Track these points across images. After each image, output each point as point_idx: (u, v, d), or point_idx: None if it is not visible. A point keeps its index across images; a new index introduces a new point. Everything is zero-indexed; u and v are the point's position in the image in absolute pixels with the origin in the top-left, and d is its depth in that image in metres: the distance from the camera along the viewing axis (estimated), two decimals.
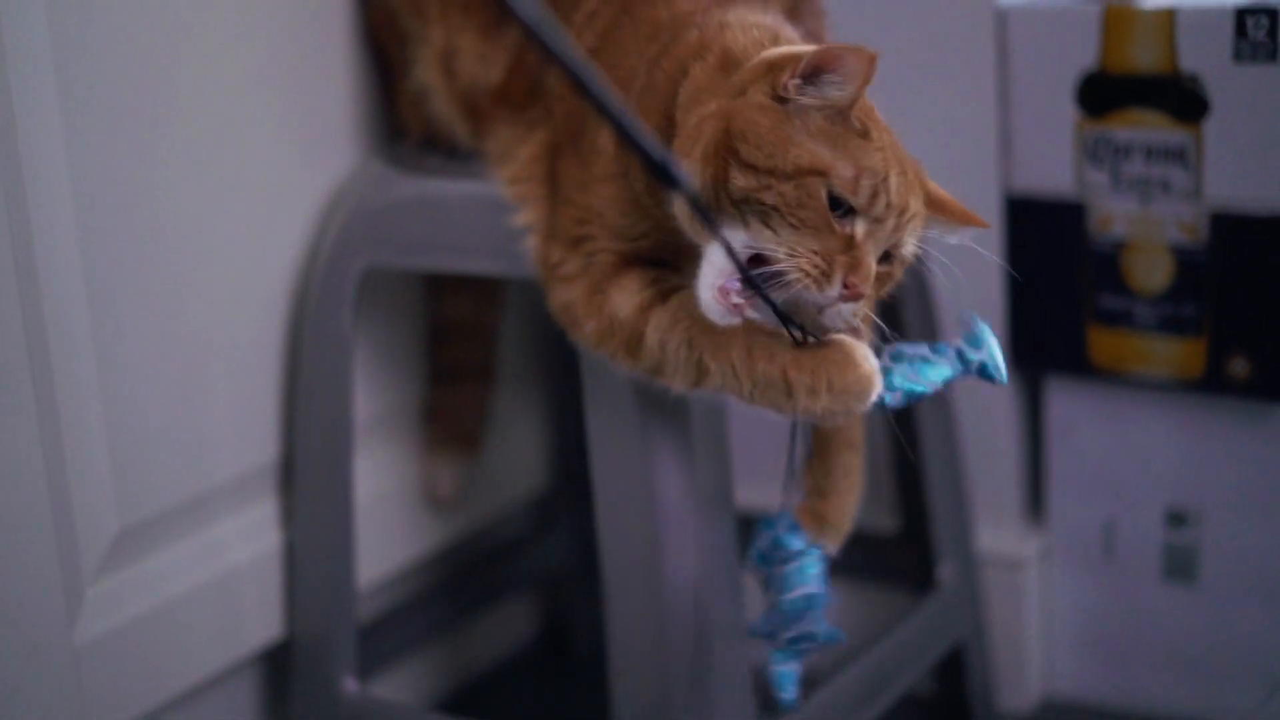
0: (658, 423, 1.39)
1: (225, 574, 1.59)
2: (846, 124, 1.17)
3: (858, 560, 1.89)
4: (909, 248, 1.20)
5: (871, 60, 1.14)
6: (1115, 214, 1.69)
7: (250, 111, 1.56)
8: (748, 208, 1.16)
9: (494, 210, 1.44)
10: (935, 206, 1.23)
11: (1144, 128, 1.66)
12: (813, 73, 1.16)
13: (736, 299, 1.16)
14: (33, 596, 1.39)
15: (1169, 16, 1.62)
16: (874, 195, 1.16)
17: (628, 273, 1.32)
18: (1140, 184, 1.67)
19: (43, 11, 1.35)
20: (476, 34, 1.53)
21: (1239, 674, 1.76)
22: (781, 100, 1.17)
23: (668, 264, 1.31)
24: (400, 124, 1.68)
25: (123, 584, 1.49)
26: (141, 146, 1.45)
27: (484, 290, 1.79)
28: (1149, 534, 1.78)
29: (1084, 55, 1.68)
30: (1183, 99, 1.63)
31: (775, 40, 1.26)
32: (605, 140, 1.33)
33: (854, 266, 1.15)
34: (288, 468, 1.65)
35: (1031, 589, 1.84)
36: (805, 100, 1.16)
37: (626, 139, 1.05)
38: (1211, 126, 1.62)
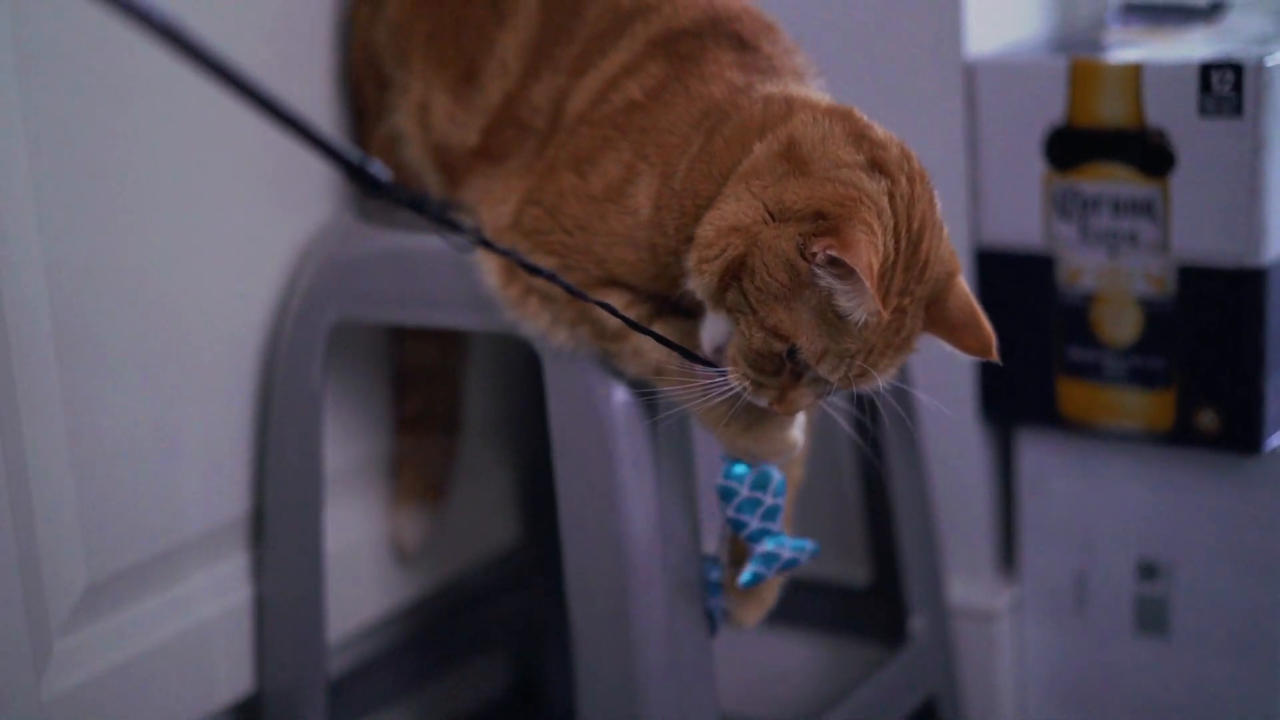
0: (627, 475, 1.39)
1: (195, 628, 1.58)
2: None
3: (829, 613, 1.91)
4: (874, 385, 1.26)
5: (879, 312, 1.18)
6: (1084, 267, 1.70)
7: (223, 164, 1.56)
8: (730, 315, 1.25)
9: (464, 265, 1.44)
10: (948, 330, 1.27)
11: (1111, 181, 1.67)
12: (836, 269, 1.18)
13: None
14: None
15: (1135, 71, 1.64)
16: (834, 367, 1.23)
17: (611, 289, 1.36)
18: (1108, 237, 1.68)
19: (12, 58, 1.35)
20: (447, 93, 1.54)
21: None
22: (804, 258, 1.19)
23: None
24: None
25: (91, 638, 1.48)
26: (112, 198, 1.45)
27: (447, 337, 1.79)
28: (1120, 586, 1.79)
29: (1052, 109, 1.69)
30: (1149, 153, 1.65)
31: (850, 135, 1.26)
32: (641, 201, 1.34)
33: (781, 401, 1.26)
34: (258, 521, 1.64)
35: (1003, 641, 1.84)
36: (819, 275, 1.19)
37: (318, 145, 1.03)
38: (1178, 180, 1.63)
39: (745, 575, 1.35)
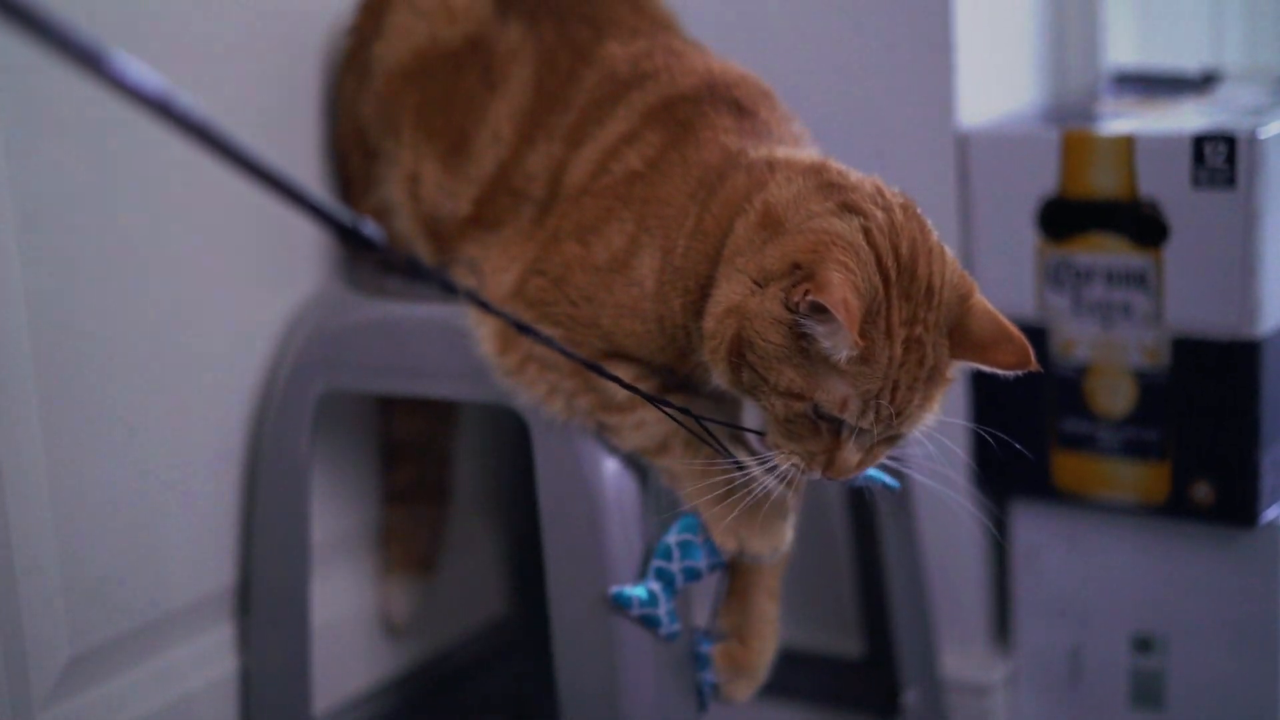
0: (616, 546, 1.38)
1: (180, 701, 1.56)
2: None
3: (822, 686, 1.89)
4: (917, 427, 1.25)
5: (855, 343, 1.16)
6: (1077, 338, 1.70)
7: (211, 234, 1.56)
8: (753, 397, 1.24)
9: (453, 334, 1.43)
10: (977, 352, 1.24)
11: (1104, 252, 1.67)
12: (820, 314, 1.16)
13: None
14: None
15: (1128, 143, 1.64)
16: (863, 411, 1.20)
17: (618, 362, 1.35)
18: (1102, 308, 1.67)
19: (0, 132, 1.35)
20: (437, 163, 1.54)
21: None
22: (791, 310, 1.19)
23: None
24: None
25: (74, 711, 1.46)
26: (100, 269, 1.45)
27: (436, 409, 1.78)
28: (1115, 659, 1.77)
29: (1044, 180, 1.69)
30: (1142, 224, 1.64)
31: (820, 186, 1.26)
32: (645, 273, 1.33)
33: (831, 465, 1.23)
34: (244, 593, 1.63)
35: (998, 715, 1.82)
36: (804, 323, 1.17)
37: (309, 208, 1.02)
38: (1171, 251, 1.63)
39: (625, 589, 1.35)
